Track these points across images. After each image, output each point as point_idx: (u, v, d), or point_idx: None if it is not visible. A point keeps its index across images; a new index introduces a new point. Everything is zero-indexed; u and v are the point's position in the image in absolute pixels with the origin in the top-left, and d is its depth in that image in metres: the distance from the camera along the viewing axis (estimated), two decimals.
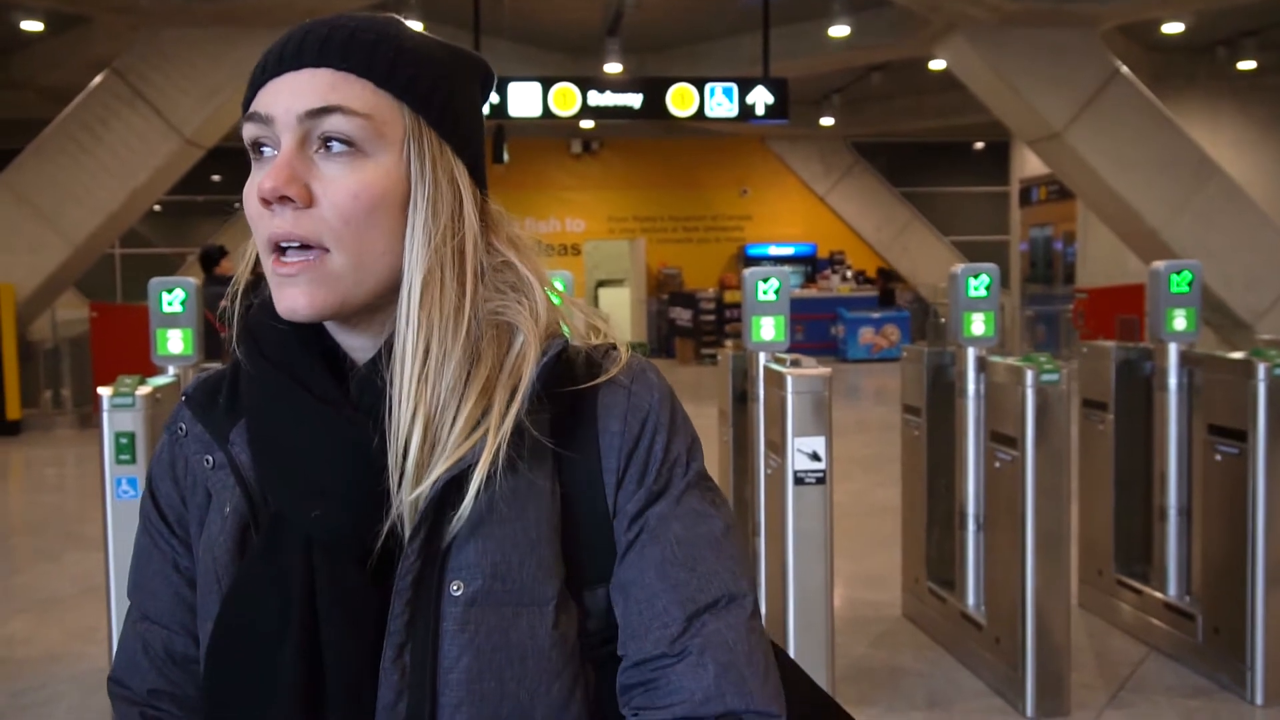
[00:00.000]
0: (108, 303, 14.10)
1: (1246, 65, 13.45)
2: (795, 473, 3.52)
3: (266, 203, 0.92)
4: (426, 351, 0.92)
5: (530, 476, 0.94)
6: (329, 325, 0.99)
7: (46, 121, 10.49)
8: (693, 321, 17.15)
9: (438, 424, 0.92)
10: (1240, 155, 13.67)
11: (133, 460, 3.23)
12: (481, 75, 1.04)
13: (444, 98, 0.97)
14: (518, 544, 0.93)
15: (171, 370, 3.68)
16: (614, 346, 1.02)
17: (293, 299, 0.93)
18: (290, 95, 0.92)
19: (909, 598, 4.79)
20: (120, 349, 8.70)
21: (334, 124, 0.92)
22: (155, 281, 3.69)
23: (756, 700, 0.94)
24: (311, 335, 0.99)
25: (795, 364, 3.64)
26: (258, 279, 1.02)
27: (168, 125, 10.23)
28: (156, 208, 16.62)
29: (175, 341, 3.67)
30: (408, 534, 0.92)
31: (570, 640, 0.95)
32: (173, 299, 3.65)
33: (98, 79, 10.33)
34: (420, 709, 0.91)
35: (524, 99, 10.46)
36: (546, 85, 10.60)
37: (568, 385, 0.97)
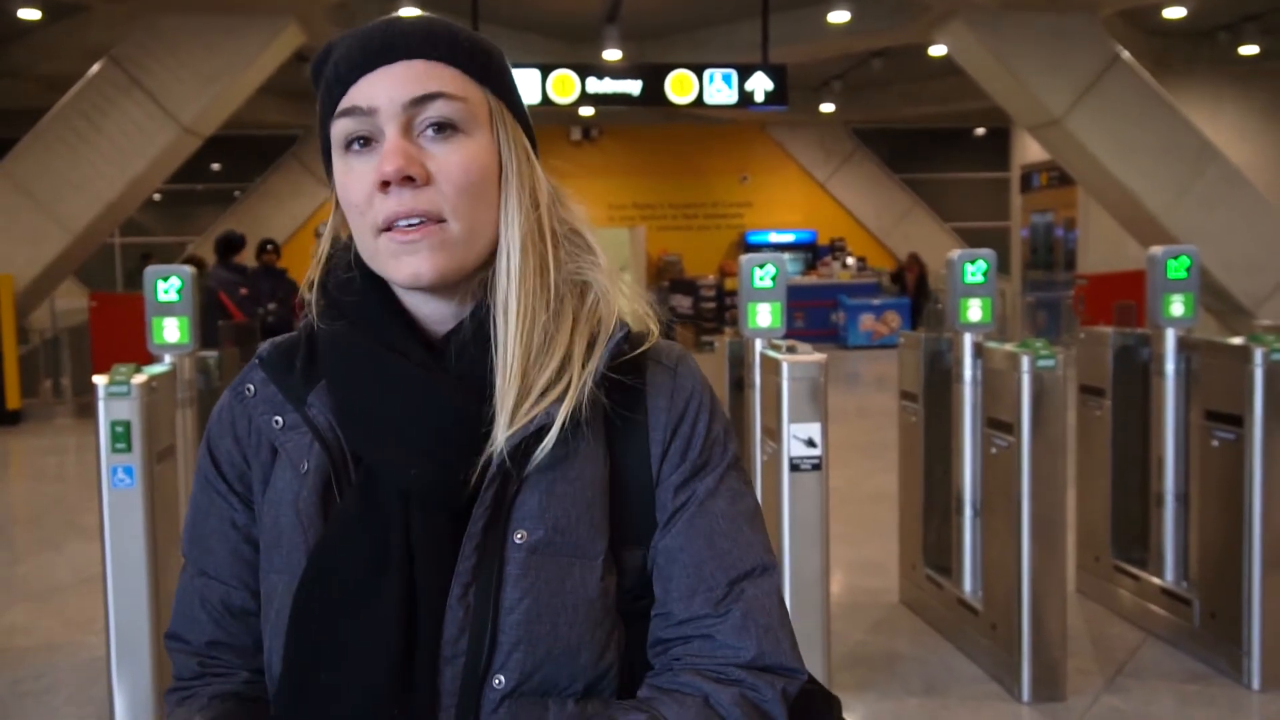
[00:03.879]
0: (107, 292, 14.10)
1: (1248, 50, 13.39)
2: (791, 459, 3.52)
3: (385, 185, 0.99)
4: (524, 309, 1.02)
5: (591, 440, 1.04)
6: (411, 299, 1.06)
7: (44, 110, 10.46)
8: (693, 309, 17.13)
9: (532, 376, 1.02)
10: (1241, 141, 13.63)
11: (128, 449, 3.22)
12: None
13: (510, 82, 1.08)
14: (576, 502, 1.03)
15: (168, 358, 3.68)
16: (655, 332, 1.12)
17: (416, 265, 1.00)
18: (391, 86, 1.00)
19: (906, 584, 4.80)
20: (120, 338, 8.71)
21: (437, 109, 1.01)
22: (150, 270, 3.68)
23: (790, 659, 1.05)
24: (392, 307, 1.06)
25: (791, 350, 3.64)
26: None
27: (166, 113, 10.21)
28: (156, 196, 16.61)
29: (171, 330, 3.66)
30: (485, 482, 1.01)
31: (611, 593, 1.05)
32: (168, 287, 3.64)
33: (95, 67, 10.30)
34: (480, 644, 1.00)
35: (522, 86, 10.34)
36: (545, 72, 10.56)
37: (623, 361, 1.06)
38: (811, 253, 19.34)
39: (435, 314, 1.06)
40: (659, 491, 1.07)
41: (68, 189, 10.20)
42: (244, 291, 8.59)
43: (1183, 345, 4.40)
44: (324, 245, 1.11)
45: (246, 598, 1.11)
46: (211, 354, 4.06)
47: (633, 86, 10.77)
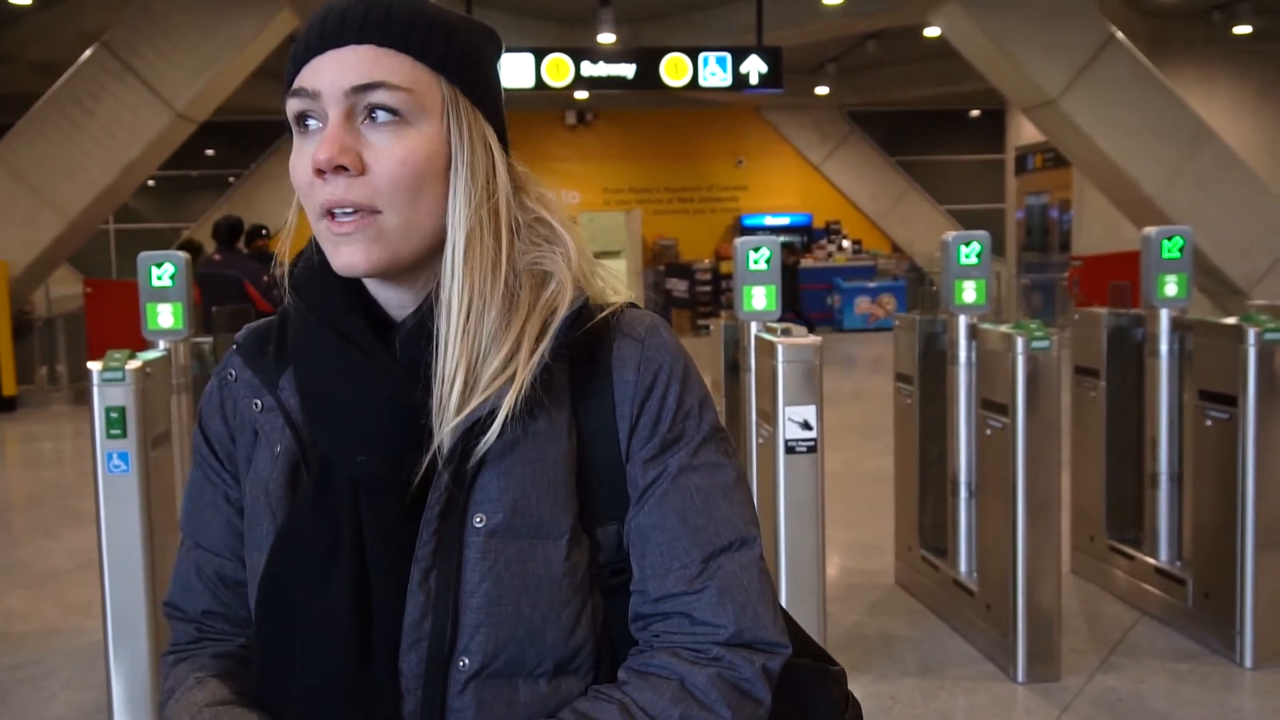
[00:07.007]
0: (102, 278, 14.08)
1: (1242, 30, 13.36)
2: (786, 442, 3.53)
3: (320, 172, 0.99)
4: (468, 304, 1.01)
5: (551, 419, 1.03)
6: (371, 283, 1.06)
7: (37, 96, 10.42)
8: (689, 292, 17.13)
9: (478, 369, 1.01)
10: (1236, 121, 13.61)
11: (123, 435, 3.22)
12: (496, 43, 1.11)
13: (473, 68, 1.05)
14: (536, 482, 1.02)
15: (162, 344, 3.68)
16: (631, 304, 1.11)
17: (349, 255, 1.00)
18: (335, 72, 1.00)
19: (902, 565, 4.81)
20: (115, 324, 8.70)
21: (378, 97, 0.99)
22: (144, 256, 3.67)
23: (770, 633, 1.04)
24: (354, 293, 1.07)
25: (786, 333, 3.64)
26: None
27: (159, 99, 10.18)
28: (150, 183, 16.55)
29: (165, 316, 3.66)
30: (438, 470, 1.01)
31: (580, 571, 1.04)
32: (162, 273, 3.64)
33: (88, 53, 10.26)
34: (443, 627, 1.00)
35: (517, 70, 10.39)
36: (539, 56, 10.53)
37: (586, 337, 1.05)
38: (807, 236, 19.34)
39: (393, 300, 1.07)
40: (629, 467, 1.06)
41: (61, 175, 10.17)
42: (266, 278, 8.31)
43: (1177, 326, 4.41)
44: (290, 222, 1.12)
45: (238, 568, 1.13)
46: (206, 340, 4.06)
47: (627, 70, 10.74)
